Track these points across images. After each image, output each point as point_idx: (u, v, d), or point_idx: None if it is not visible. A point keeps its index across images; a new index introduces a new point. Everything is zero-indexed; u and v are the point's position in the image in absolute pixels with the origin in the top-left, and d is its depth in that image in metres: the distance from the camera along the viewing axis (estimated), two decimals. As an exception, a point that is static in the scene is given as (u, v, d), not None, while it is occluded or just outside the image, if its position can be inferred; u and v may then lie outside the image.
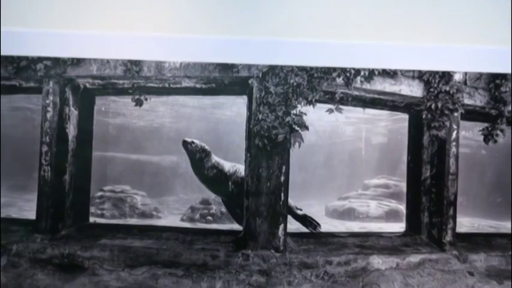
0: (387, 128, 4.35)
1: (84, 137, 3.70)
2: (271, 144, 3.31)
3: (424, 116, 3.59)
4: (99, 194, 4.22)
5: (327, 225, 4.10)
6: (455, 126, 3.58)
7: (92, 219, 3.88)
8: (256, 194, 3.34)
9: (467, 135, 4.24)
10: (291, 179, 3.39)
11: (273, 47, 2.84)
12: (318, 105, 3.39)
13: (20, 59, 3.35)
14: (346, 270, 3.26)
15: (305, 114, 3.33)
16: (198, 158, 3.92)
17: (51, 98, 3.45)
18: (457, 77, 3.54)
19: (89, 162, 3.81)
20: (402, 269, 3.33)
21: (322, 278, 3.22)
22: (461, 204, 3.67)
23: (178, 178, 4.35)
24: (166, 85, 3.53)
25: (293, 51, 2.85)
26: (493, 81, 3.62)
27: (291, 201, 3.72)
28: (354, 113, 3.91)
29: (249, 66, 3.32)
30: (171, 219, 4.31)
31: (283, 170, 3.36)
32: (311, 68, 3.28)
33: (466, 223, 4.18)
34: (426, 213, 3.67)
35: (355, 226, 4.33)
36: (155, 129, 4.32)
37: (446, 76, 3.51)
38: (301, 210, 3.92)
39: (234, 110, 4.01)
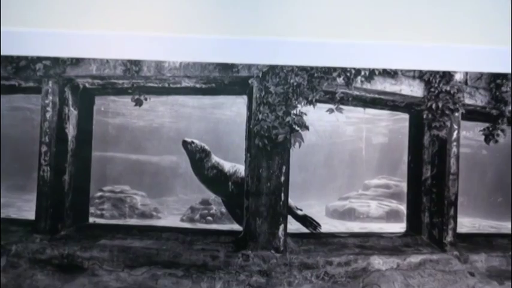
0: (388, 128, 4.35)
1: (84, 137, 3.70)
2: (271, 144, 3.31)
3: (424, 116, 3.59)
4: (99, 194, 4.21)
5: (327, 225, 4.09)
6: (456, 126, 3.57)
7: (91, 220, 3.88)
8: (256, 194, 3.34)
9: (468, 135, 4.24)
10: (291, 179, 3.39)
11: (273, 46, 2.84)
12: (318, 105, 3.39)
13: (19, 58, 3.35)
14: (347, 271, 3.26)
15: (305, 114, 3.33)
16: (198, 158, 3.91)
17: (50, 97, 3.45)
18: (458, 77, 3.54)
19: (88, 162, 3.80)
20: (403, 269, 3.33)
21: (323, 279, 3.22)
22: (462, 204, 3.68)
23: (178, 178, 4.34)
24: (166, 85, 3.52)
25: (293, 51, 2.86)
26: (494, 81, 3.62)
27: (291, 202, 3.71)
28: (354, 113, 3.91)
29: (249, 66, 3.32)
30: (170, 219, 4.31)
31: (284, 170, 3.35)
32: (311, 68, 3.28)
33: (466, 223, 4.18)
34: (427, 213, 3.67)
35: (355, 226, 4.32)
36: (155, 129, 4.32)
37: (447, 76, 3.51)
38: (301, 210, 3.92)
39: (234, 110, 4.00)
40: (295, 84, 3.28)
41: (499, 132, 3.66)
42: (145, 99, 3.62)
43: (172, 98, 3.91)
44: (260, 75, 3.30)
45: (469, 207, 4.30)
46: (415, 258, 3.38)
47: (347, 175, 4.44)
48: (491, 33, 2.84)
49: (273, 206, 3.33)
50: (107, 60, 3.40)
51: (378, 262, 3.31)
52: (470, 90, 3.62)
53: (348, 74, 3.39)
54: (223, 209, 4.16)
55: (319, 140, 4.22)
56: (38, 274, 3.20)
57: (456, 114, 3.57)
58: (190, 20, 2.83)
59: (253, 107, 3.34)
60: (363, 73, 3.42)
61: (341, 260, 3.29)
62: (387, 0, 2.83)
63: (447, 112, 3.54)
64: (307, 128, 3.33)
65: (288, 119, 3.29)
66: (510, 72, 2.90)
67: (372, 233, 3.91)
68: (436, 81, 3.51)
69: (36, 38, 2.79)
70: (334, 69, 3.33)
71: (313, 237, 3.70)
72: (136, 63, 3.39)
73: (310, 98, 3.33)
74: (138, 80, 3.49)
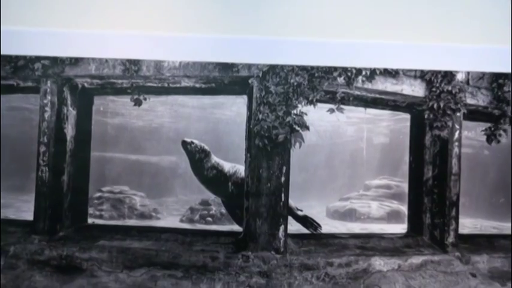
0: (389, 128, 4.34)
1: (83, 137, 3.69)
2: (271, 144, 3.30)
3: (426, 116, 3.58)
4: (98, 194, 4.21)
5: (328, 226, 4.09)
6: (457, 126, 3.56)
7: (90, 220, 3.87)
8: (256, 195, 3.33)
9: (470, 135, 4.24)
10: (291, 180, 3.39)
11: (273, 46, 2.84)
12: (319, 105, 3.39)
13: (17, 58, 3.35)
14: (347, 272, 3.25)
15: (306, 114, 3.32)
16: (198, 158, 3.90)
17: (49, 97, 3.43)
18: (460, 77, 3.54)
19: (87, 162, 3.79)
20: (404, 270, 3.32)
21: (323, 280, 3.21)
22: (463, 205, 3.67)
23: (177, 179, 4.34)
24: (166, 85, 3.51)
25: (294, 51, 2.85)
26: (496, 80, 3.62)
27: (292, 202, 3.70)
28: (355, 113, 3.91)
29: (249, 66, 3.32)
30: (170, 220, 4.31)
31: (284, 171, 3.34)
32: (312, 68, 3.28)
33: (468, 224, 4.18)
34: (428, 214, 3.66)
35: (356, 227, 4.32)
36: (154, 129, 4.31)
37: (449, 76, 3.50)
38: (301, 211, 3.91)
39: (234, 109, 4.00)
40: (295, 84, 3.28)
41: (501, 132, 3.65)
42: (145, 99, 3.61)
43: (171, 97, 3.91)
44: (260, 74, 3.29)
45: (471, 207, 4.30)
46: (416, 259, 3.37)
47: (348, 175, 4.43)
48: (493, 33, 2.84)
49: (273, 207, 3.32)
50: (106, 60, 3.39)
51: (379, 263, 3.31)
52: (472, 90, 3.62)
53: (349, 74, 3.38)
54: (223, 210, 4.16)
55: (320, 140, 4.22)
56: (37, 275, 3.18)
57: (458, 114, 3.56)
58: (189, 19, 2.83)
59: (254, 106, 3.33)
60: (364, 73, 3.41)
61: (342, 261, 3.28)
62: (388, 0, 2.82)
63: (449, 112, 3.53)
64: (307, 128, 3.32)
65: (289, 119, 3.28)
66: (510, 71, 2.89)
67: (373, 234, 3.91)
68: (438, 81, 3.51)
69: (35, 38, 2.79)
70: (335, 68, 3.32)
71: (314, 238, 3.69)
72: (136, 62, 3.38)
73: (310, 98, 3.32)
74: (137, 80, 3.48)
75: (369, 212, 4.49)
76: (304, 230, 3.86)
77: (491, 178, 4.45)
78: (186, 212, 4.34)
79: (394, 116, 4.18)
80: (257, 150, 3.32)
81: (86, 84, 3.54)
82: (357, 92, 3.48)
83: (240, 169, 3.82)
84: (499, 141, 3.68)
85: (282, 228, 3.32)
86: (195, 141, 3.92)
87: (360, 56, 2.88)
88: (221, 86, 3.47)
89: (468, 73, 3.58)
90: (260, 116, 3.28)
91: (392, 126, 4.32)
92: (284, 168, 3.34)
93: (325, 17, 2.82)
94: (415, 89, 3.57)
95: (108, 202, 4.22)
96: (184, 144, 3.91)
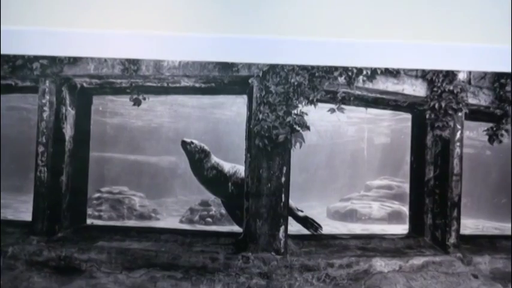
0: (390, 128, 4.33)
1: (81, 137, 3.68)
2: (271, 144, 3.30)
3: (427, 116, 3.58)
4: (97, 195, 4.20)
5: (329, 227, 4.08)
6: (459, 126, 3.56)
7: (89, 221, 3.86)
8: (256, 195, 3.33)
9: (472, 136, 4.24)
10: (291, 180, 3.39)
11: (273, 45, 2.85)
12: (320, 104, 3.39)
13: (15, 57, 3.34)
14: (348, 273, 3.25)
15: (306, 114, 3.32)
16: (197, 158, 3.90)
17: (47, 97, 3.43)
18: (461, 76, 3.54)
19: (86, 162, 3.78)
20: (405, 271, 3.32)
21: (324, 281, 3.21)
22: (465, 205, 3.67)
23: (177, 179, 4.33)
24: (165, 84, 3.51)
25: (294, 50, 2.86)
26: (498, 80, 3.62)
27: (292, 203, 3.69)
28: (356, 113, 3.91)
29: (249, 65, 3.31)
30: (169, 221, 4.31)
31: (284, 171, 3.34)
32: (312, 67, 3.28)
33: (470, 225, 4.18)
34: (430, 214, 3.65)
35: (357, 228, 4.31)
36: (154, 129, 4.30)
37: (450, 75, 3.51)
38: (302, 211, 3.90)
39: (233, 109, 3.99)
40: (296, 83, 3.27)
41: (503, 132, 3.65)
42: (144, 98, 3.61)
43: (171, 97, 3.91)
44: (260, 74, 3.29)
45: (473, 208, 4.30)
46: (417, 260, 3.37)
47: (348, 176, 4.42)
48: (494, 32, 2.85)
49: (273, 207, 3.32)
50: (105, 59, 3.39)
51: (380, 264, 3.31)
52: (473, 90, 3.62)
53: (350, 74, 3.38)
54: (223, 210, 4.16)
55: (320, 140, 4.21)
56: (35, 276, 3.18)
57: (459, 114, 3.56)
58: (189, 19, 2.83)
59: (254, 106, 3.33)
60: (364, 72, 3.41)
61: (342, 262, 3.28)
62: (389, -1, 2.82)
63: (450, 112, 3.53)
64: (308, 128, 3.32)
65: (289, 119, 3.28)
66: (511, 71, 2.89)
67: (374, 235, 3.91)
68: (439, 81, 3.51)
69: (34, 37, 2.81)
70: (336, 68, 3.32)
71: (314, 238, 3.69)
72: (135, 62, 3.38)
73: (311, 98, 3.32)
74: (136, 80, 3.47)
75: (370, 213, 4.48)
76: (305, 231, 3.85)
77: (493, 178, 4.44)
78: (185, 212, 4.33)
79: (395, 116, 4.18)
80: (257, 150, 3.32)
81: (84, 84, 3.54)
82: (358, 92, 3.47)
83: (240, 169, 3.81)
84: (501, 142, 3.67)
85: (282, 229, 3.32)
86: (195, 141, 3.91)
87: (361, 56, 2.89)
88: (221, 85, 3.47)
89: (470, 73, 3.58)
90: (260, 116, 3.28)
91: (394, 126, 4.31)
92: (284, 168, 3.34)
93: (326, 16, 2.83)
94: (417, 89, 3.56)
95: (107, 203, 4.21)
96: (184, 144, 3.90)
